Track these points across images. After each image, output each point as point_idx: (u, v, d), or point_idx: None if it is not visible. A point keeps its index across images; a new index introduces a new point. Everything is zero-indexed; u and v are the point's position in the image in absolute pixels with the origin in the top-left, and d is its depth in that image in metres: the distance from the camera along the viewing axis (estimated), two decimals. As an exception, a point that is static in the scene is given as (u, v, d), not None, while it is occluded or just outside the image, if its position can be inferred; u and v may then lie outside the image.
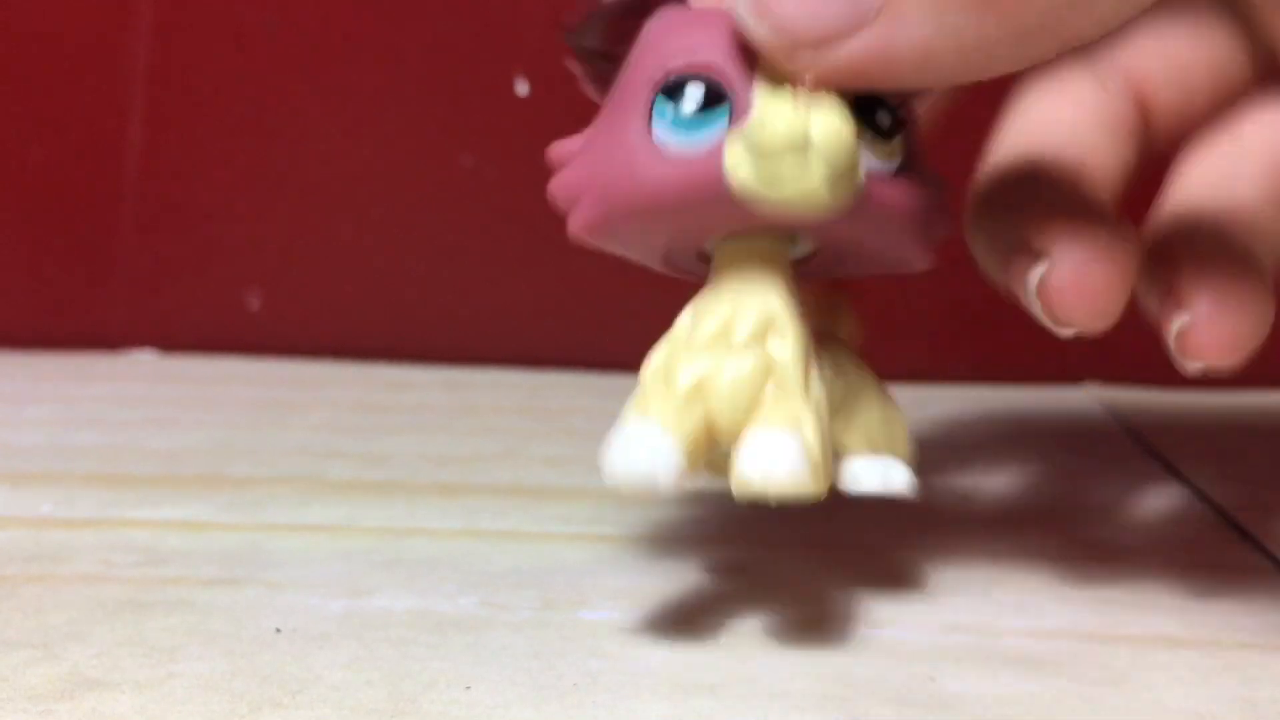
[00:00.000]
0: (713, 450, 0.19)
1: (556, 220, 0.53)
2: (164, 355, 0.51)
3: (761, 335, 0.19)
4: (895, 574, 0.25)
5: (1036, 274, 0.21)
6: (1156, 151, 0.25)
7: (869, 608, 0.23)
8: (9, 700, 0.18)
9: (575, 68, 0.21)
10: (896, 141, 0.19)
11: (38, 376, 0.46)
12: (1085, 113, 0.25)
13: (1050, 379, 0.47)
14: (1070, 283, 0.21)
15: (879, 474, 0.21)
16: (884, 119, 0.19)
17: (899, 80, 0.18)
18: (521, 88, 0.49)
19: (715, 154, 0.18)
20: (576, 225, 0.20)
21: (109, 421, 0.38)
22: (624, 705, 0.18)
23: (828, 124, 0.18)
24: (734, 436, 0.19)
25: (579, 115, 0.51)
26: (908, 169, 0.19)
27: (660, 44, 0.19)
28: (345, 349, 0.51)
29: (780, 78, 0.18)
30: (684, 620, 0.22)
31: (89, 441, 0.36)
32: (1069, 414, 0.42)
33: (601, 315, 0.48)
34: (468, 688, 0.19)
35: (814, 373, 0.19)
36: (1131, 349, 0.48)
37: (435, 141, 0.49)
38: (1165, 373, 0.49)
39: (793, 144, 0.17)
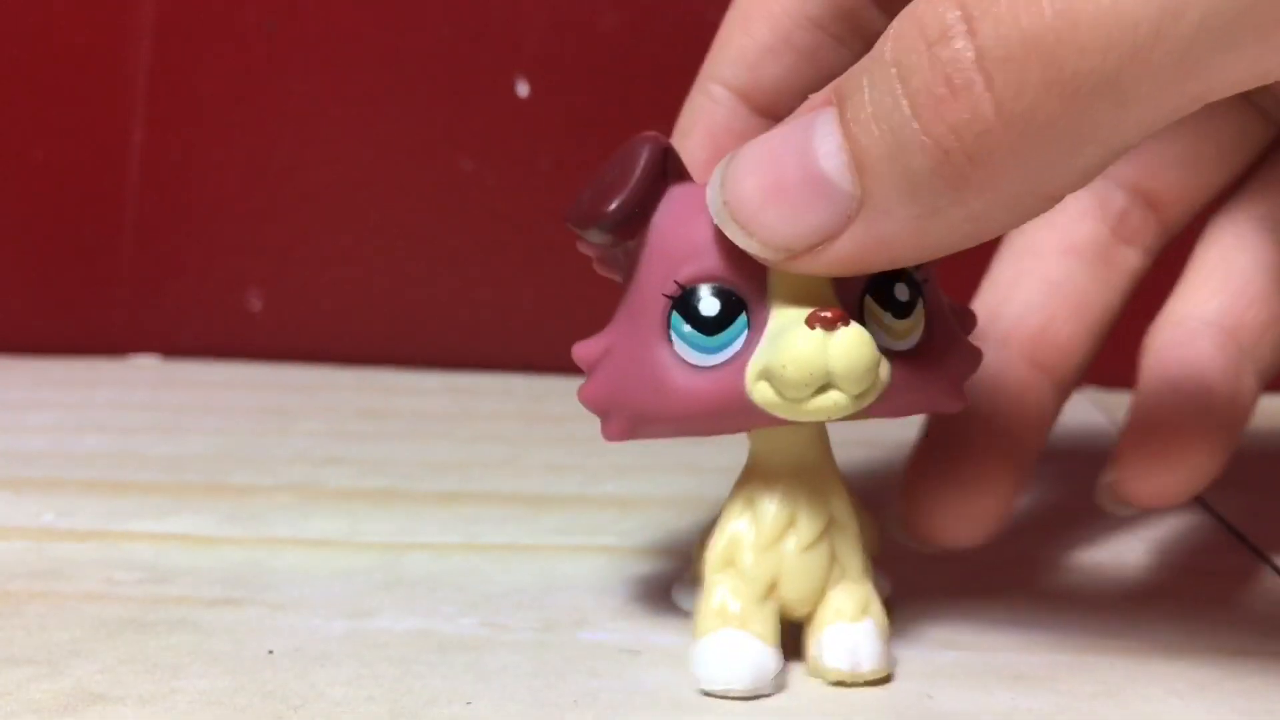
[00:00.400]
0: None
1: (556, 224, 0.53)
2: (166, 360, 0.51)
3: (826, 530, 0.20)
4: (891, 591, 0.25)
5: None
6: (1173, 236, 0.25)
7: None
8: (13, 715, 0.18)
9: (584, 249, 0.21)
10: (917, 310, 0.19)
11: (40, 382, 0.46)
12: (1057, 269, 0.25)
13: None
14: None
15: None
16: (903, 292, 0.19)
17: (903, 261, 0.18)
18: (522, 89, 0.49)
19: (738, 370, 0.19)
20: (611, 435, 0.21)
21: (111, 427, 0.39)
22: (623, 724, 0.19)
23: (847, 352, 0.18)
24: (805, 615, 0.20)
25: (578, 119, 0.52)
26: (929, 331, 0.20)
27: (668, 245, 0.20)
28: (346, 354, 0.51)
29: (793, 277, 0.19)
30: (683, 639, 0.22)
31: (92, 447, 0.36)
32: (1066, 418, 0.42)
33: (602, 320, 0.48)
34: (468, 704, 0.19)
35: (866, 554, 0.21)
36: (1128, 353, 0.48)
37: (435, 146, 0.49)
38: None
39: (813, 380, 0.18)
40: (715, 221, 0.19)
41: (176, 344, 0.52)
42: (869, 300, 0.19)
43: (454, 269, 0.50)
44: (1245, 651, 0.21)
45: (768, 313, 0.19)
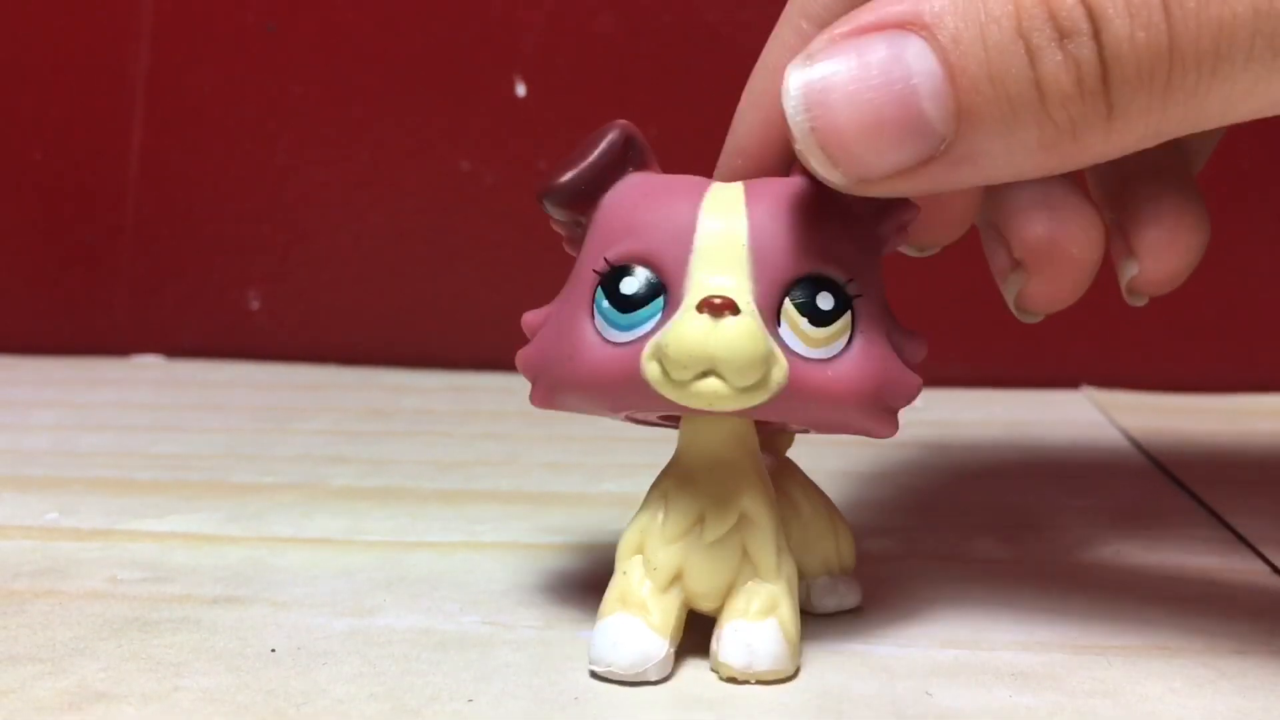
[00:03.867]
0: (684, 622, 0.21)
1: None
2: (169, 360, 0.52)
3: (733, 526, 0.20)
4: (891, 588, 0.25)
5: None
6: None
7: (865, 623, 0.23)
8: (17, 713, 0.18)
9: (555, 227, 0.22)
10: (840, 322, 0.20)
11: (44, 381, 0.46)
12: None
13: (1048, 383, 0.47)
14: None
15: (833, 595, 0.23)
16: (826, 300, 0.19)
17: (939, 191, 0.19)
18: (520, 89, 0.49)
19: (639, 348, 0.19)
20: (535, 400, 0.21)
21: (115, 427, 0.39)
22: (624, 720, 0.19)
23: (730, 341, 0.18)
24: (714, 609, 0.21)
25: (575, 121, 0.52)
26: (857, 341, 0.20)
27: (608, 225, 0.20)
28: (346, 353, 0.51)
29: (713, 264, 0.19)
30: (684, 637, 0.22)
31: (95, 446, 0.36)
32: (1066, 417, 0.42)
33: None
34: (470, 701, 0.19)
35: (784, 549, 0.21)
36: (1128, 354, 0.48)
37: (434, 147, 0.49)
38: (1161, 377, 0.49)
39: (693, 363, 0.18)
40: (796, 144, 0.19)
41: (178, 344, 0.52)
42: (788, 303, 0.19)
43: (453, 268, 0.50)
44: (1243, 651, 0.21)
45: (684, 296, 0.19)
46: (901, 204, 0.20)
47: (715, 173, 0.24)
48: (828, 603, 0.23)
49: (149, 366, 0.50)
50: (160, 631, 0.22)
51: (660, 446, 0.37)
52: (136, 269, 0.52)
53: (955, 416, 0.42)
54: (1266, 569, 0.26)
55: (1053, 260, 0.23)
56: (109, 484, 0.32)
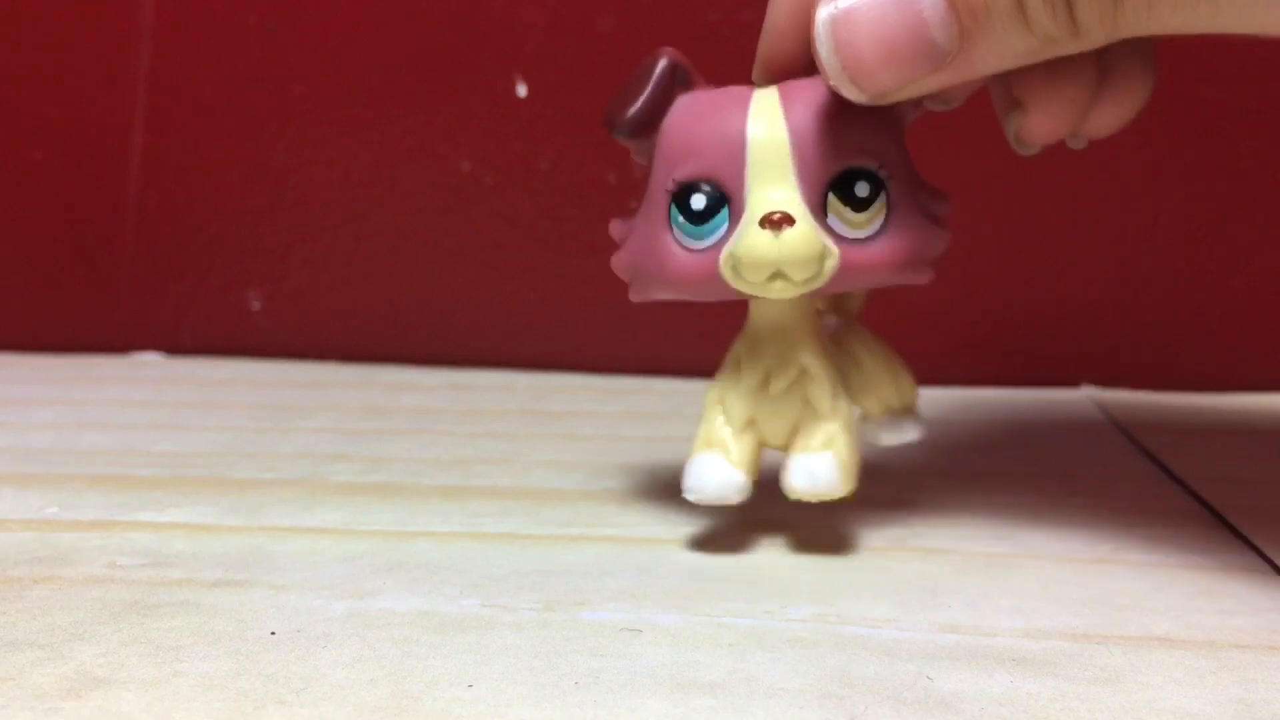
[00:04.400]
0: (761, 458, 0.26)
1: (555, 223, 0.53)
2: (170, 358, 0.52)
3: (795, 381, 0.25)
4: (892, 575, 0.25)
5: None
6: None
7: (867, 608, 0.23)
8: (17, 699, 0.18)
9: (623, 143, 0.26)
10: (878, 203, 0.24)
11: (44, 379, 0.46)
12: None
13: (1049, 382, 0.47)
14: None
15: (895, 431, 0.28)
16: (863, 189, 0.23)
17: (945, 88, 0.23)
18: (521, 89, 0.49)
19: (716, 254, 0.23)
20: (633, 296, 0.26)
21: (115, 424, 0.39)
22: (625, 703, 0.18)
23: (792, 249, 0.23)
24: (782, 447, 0.25)
25: (576, 119, 0.52)
26: (891, 221, 0.24)
27: (671, 147, 0.24)
28: (346, 352, 0.51)
29: (765, 175, 0.23)
30: (684, 619, 0.22)
31: (95, 443, 0.36)
32: (1066, 416, 0.42)
33: (602, 318, 0.48)
34: (470, 686, 0.19)
35: (841, 395, 0.25)
36: (1127, 353, 0.48)
37: (434, 146, 0.49)
38: (1162, 376, 0.49)
39: (764, 268, 0.23)
40: (826, 73, 0.22)
41: (179, 342, 0.52)
42: (831, 196, 0.23)
43: (453, 267, 0.50)
44: (1244, 645, 0.21)
45: (744, 206, 0.23)
46: None
47: (753, 73, 0.26)
48: (889, 437, 0.28)
49: (150, 364, 0.50)
50: (160, 615, 0.22)
51: (660, 446, 0.37)
52: (137, 267, 0.52)
53: (956, 415, 0.42)
54: (1267, 567, 0.26)
55: (1046, 97, 0.26)
56: (110, 480, 0.32)
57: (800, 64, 0.25)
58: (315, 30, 0.50)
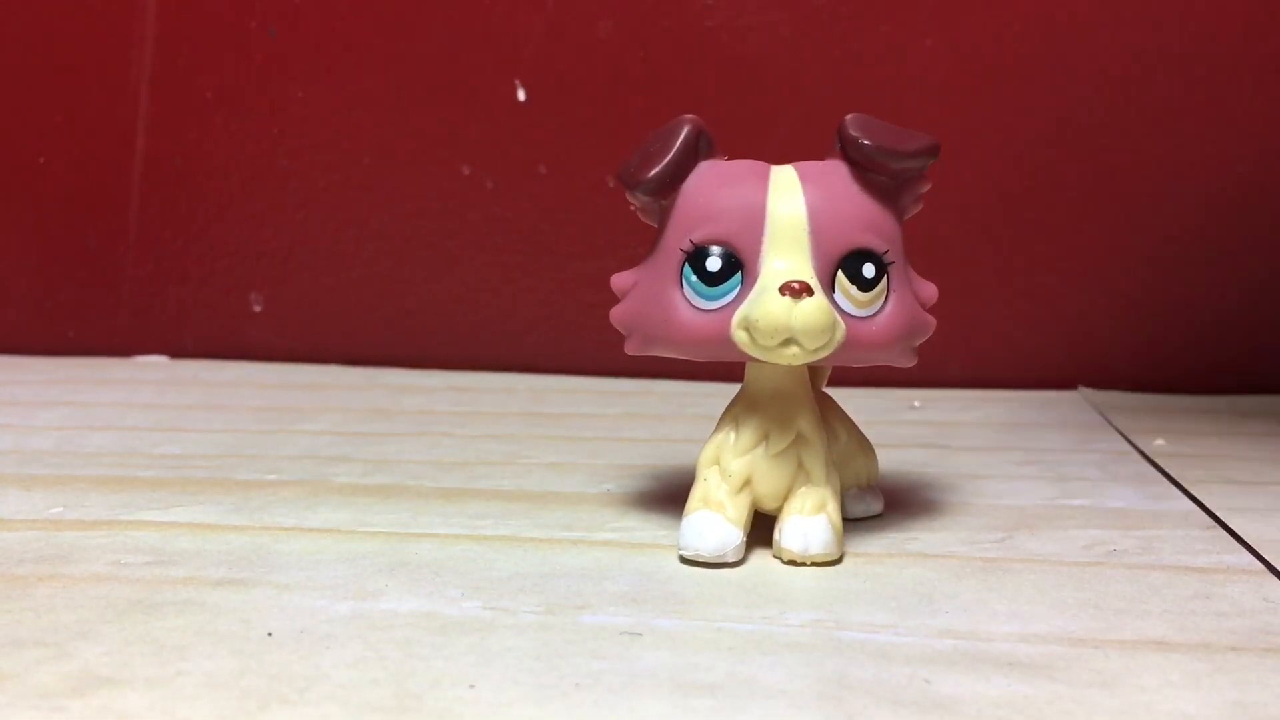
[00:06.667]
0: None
1: (554, 226, 0.53)
2: (173, 360, 0.52)
3: (792, 443, 0.26)
4: (889, 581, 0.25)
5: None
6: None
7: (865, 613, 0.23)
8: (22, 697, 0.18)
9: (633, 201, 0.26)
10: (880, 286, 0.25)
11: (49, 382, 0.46)
12: None
13: (1045, 384, 0.48)
14: None
15: (862, 504, 0.29)
16: (869, 270, 0.25)
17: None
18: (521, 94, 0.49)
19: (727, 316, 0.24)
20: (630, 349, 0.26)
21: (119, 426, 0.39)
22: (625, 704, 0.19)
23: (808, 318, 0.23)
24: (774, 510, 0.26)
25: (576, 126, 0.52)
26: (890, 299, 0.25)
27: (690, 209, 0.25)
28: (347, 355, 0.51)
29: (782, 247, 0.24)
30: (683, 623, 0.22)
31: (100, 445, 0.36)
32: (1063, 418, 0.42)
33: (602, 321, 0.48)
34: (471, 686, 0.19)
35: (831, 465, 0.26)
36: (1124, 355, 0.48)
37: (434, 151, 0.50)
38: (1157, 378, 0.49)
39: (779, 333, 0.23)
40: None
41: (182, 344, 0.52)
42: (840, 274, 0.24)
43: (454, 271, 0.50)
44: (1239, 648, 0.21)
45: (758, 274, 0.24)
46: (918, 179, 0.26)
47: None
48: (857, 509, 0.29)
49: (153, 367, 0.50)
50: (164, 614, 0.22)
51: (660, 447, 0.37)
52: (140, 270, 0.52)
53: (953, 417, 0.42)
54: (1262, 568, 0.26)
55: None
56: (114, 481, 0.32)
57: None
58: (316, 35, 0.50)
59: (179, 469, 0.33)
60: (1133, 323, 0.48)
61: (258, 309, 0.52)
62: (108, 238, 0.52)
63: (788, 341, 0.24)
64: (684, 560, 0.25)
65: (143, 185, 0.52)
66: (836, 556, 0.25)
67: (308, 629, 0.21)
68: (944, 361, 0.48)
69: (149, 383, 0.47)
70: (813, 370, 0.29)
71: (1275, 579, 0.25)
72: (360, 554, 0.26)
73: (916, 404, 0.45)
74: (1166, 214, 0.47)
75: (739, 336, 0.24)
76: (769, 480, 0.25)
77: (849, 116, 0.25)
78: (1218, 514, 0.29)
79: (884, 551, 0.27)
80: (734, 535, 0.25)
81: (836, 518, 0.26)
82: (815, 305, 0.23)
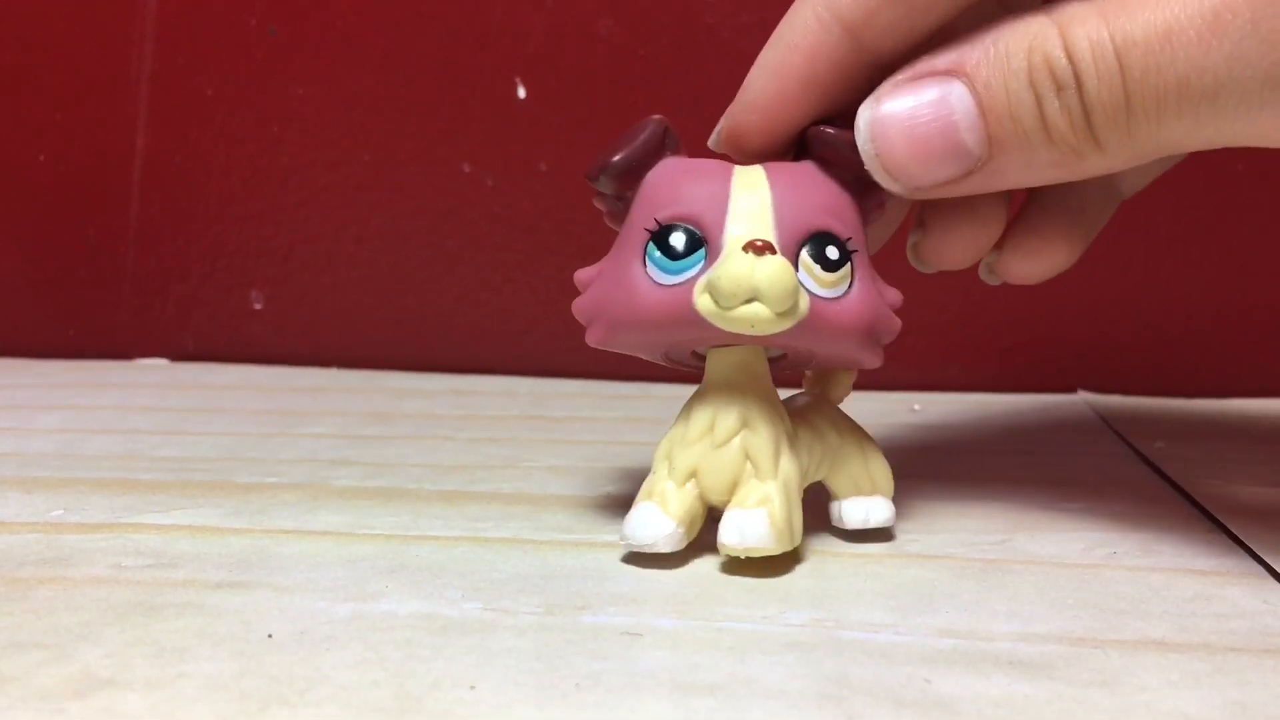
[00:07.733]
0: (705, 511, 0.26)
1: (554, 225, 0.53)
2: (173, 363, 0.52)
3: (737, 431, 0.25)
4: (889, 581, 0.25)
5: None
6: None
7: (865, 613, 0.23)
8: (22, 700, 0.18)
9: (598, 204, 0.26)
10: (844, 270, 0.24)
11: (49, 385, 0.46)
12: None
13: (1045, 388, 0.48)
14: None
15: (860, 513, 0.28)
16: (833, 252, 0.24)
17: (975, 193, 0.24)
18: (521, 91, 0.49)
19: (690, 287, 0.24)
20: (592, 338, 0.26)
21: (119, 429, 0.39)
22: (626, 705, 0.19)
23: (771, 274, 0.23)
24: (723, 503, 0.25)
25: (576, 124, 0.52)
26: (855, 292, 0.25)
27: (654, 195, 0.25)
28: (348, 357, 0.51)
29: (745, 222, 0.24)
30: (683, 623, 0.22)
31: (100, 448, 0.36)
32: (1062, 421, 0.42)
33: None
34: (472, 688, 0.19)
35: (785, 454, 0.25)
36: (1124, 359, 0.48)
37: (435, 149, 0.50)
38: (1157, 382, 0.49)
39: (741, 291, 0.23)
40: (866, 166, 0.24)
41: (182, 347, 0.52)
42: (804, 253, 0.24)
43: (454, 271, 0.50)
44: (1240, 649, 0.21)
45: (722, 247, 0.24)
46: (880, 187, 0.25)
47: (721, 121, 0.27)
48: (854, 519, 0.27)
49: (153, 369, 0.50)
50: (164, 616, 0.22)
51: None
52: (140, 272, 0.52)
53: (953, 421, 0.42)
54: (1263, 571, 0.26)
55: (944, 225, 0.27)
56: (114, 484, 0.32)
57: (779, 121, 0.26)
58: (316, 33, 0.50)
59: (180, 472, 0.33)
60: (1133, 326, 0.48)
61: (258, 307, 0.52)
62: (107, 238, 0.52)
63: (750, 300, 0.23)
64: (627, 547, 0.25)
65: (143, 184, 0.52)
66: (774, 552, 0.25)
67: (308, 631, 0.21)
68: (944, 365, 0.48)
69: (149, 386, 0.47)
70: (827, 381, 0.29)
71: (1275, 582, 0.25)
72: (361, 556, 0.26)
73: (916, 407, 0.45)
74: (1166, 215, 0.47)
75: (701, 302, 0.23)
76: (714, 473, 0.25)
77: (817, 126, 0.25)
78: (1218, 517, 0.29)
79: (884, 552, 0.27)
80: (668, 527, 0.25)
81: (779, 513, 0.25)
82: (779, 263, 0.23)
